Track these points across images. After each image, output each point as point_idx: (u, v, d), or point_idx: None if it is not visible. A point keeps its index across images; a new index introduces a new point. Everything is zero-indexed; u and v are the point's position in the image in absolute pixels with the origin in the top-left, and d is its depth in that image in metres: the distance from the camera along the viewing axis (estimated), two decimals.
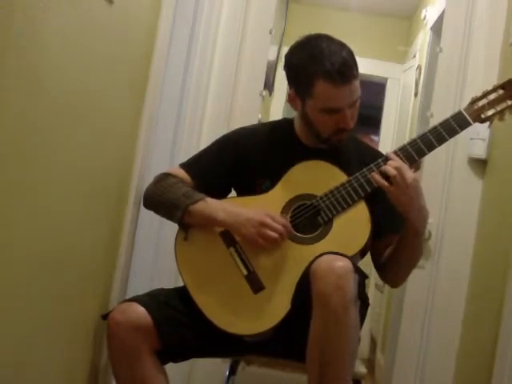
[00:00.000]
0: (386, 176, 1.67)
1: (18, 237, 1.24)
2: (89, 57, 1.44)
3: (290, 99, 1.81)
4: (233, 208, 1.73)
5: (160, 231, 2.25)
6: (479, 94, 1.75)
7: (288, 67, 1.78)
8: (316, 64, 1.68)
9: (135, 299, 1.70)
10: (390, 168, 1.66)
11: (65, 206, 1.45)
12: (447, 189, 2.49)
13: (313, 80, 1.69)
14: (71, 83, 1.37)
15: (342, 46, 1.72)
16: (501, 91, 1.73)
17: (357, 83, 1.71)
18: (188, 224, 1.75)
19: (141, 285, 2.11)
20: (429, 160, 2.52)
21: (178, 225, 1.77)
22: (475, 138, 2.41)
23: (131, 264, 2.09)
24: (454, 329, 2.44)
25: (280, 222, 1.68)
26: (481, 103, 1.73)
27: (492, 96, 1.73)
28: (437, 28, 3.07)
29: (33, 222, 1.30)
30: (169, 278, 2.19)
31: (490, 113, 1.73)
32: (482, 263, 2.37)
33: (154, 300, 1.71)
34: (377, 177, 1.67)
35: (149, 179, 1.92)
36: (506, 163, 2.26)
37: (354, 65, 1.70)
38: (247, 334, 1.69)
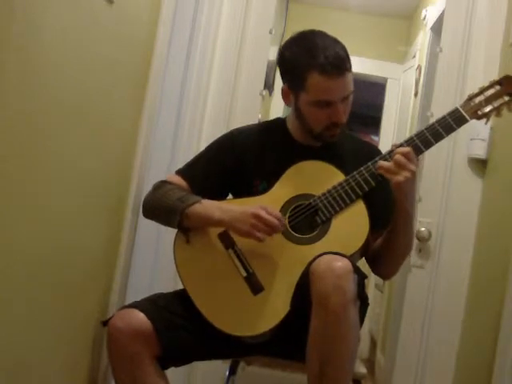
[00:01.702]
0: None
1: (17, 237, 1.24)
2: (89, 57, 1.44)
3: (284, 94, 1.82)
4: (228, 206, 1.74)
5: (160, 232, 2.25)
6: (476, 90, 1.75)
7: (282, 62, 1.80)
8: (310, 57, 1.70)
9: (135, 305, 1.69)
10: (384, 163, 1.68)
11: (65, 207, 1.45)
12: (447, 189, 2.49)
13: (306, 73, 1.70)
14: (71, 83, 1.37)
15: (336, 41, 1.74)
16: (498, 87, 1.72)
17: (350, 77, 1.72)
18: (187, 227, 1.75)
19: (141, 286, 2.11)
20: (429, 160, 2.52)
21: (178, 229, 1.77)
22: (475, 138, 2.41)
23: (131, 265, 2.08)
24: (454, 329, 2.43)
25: (274, 215, 1.67)
26: (477, 100, 1.73)
27: (489, 92, 1.72)
28: (437, 28, 3.07)
29: (33, 222, 1.30)
30: (168, 279, 2.19)
31: (487, 109, 1.72)
32: (482, 263, 2.37)
33: (154, 305, 1.70)
34: (380, 162, 1.69)
35: (149, 179, 1.92)
36: (506, 163, 2.26)
37: (347, 59, 1.72)
38: (247, 335, 1.68)
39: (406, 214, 1.72)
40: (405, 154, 1.66)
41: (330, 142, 1.81)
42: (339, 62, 1.69)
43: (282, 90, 1.81)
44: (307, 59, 1.70)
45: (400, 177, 1.65)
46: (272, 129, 1.92)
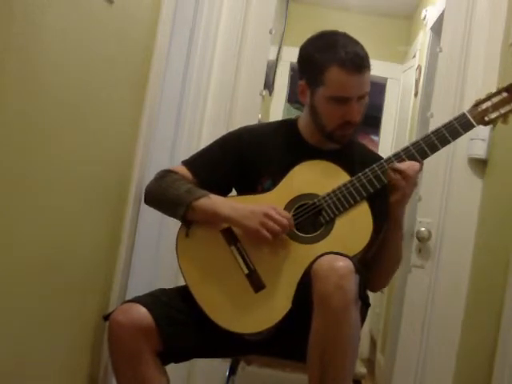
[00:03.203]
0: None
1: (18, 237, 1.24)
2: (89, 57, 1.44)
3: (300, 91, 1.84)
4: (237, 204, 1.74)
5: (160, 231, 2.25)
6: (482, 95, 1.75)
7: (302, 56, 1.82)
8: (331, 51, 1.73)
9: (137, 300, 1.70)
10: (401, 164, 1.71)
11: (65, 207, 1.45)
12: (447, 189, 2.49)
13: (326, 66, 1.73)
14: (71, 83, 1.37)
15: (356, 41, 1.78)
16: (505, 94, 1.73)
17: (368, 76, 1.76)
18: (191, 221, 1.75)
19: (141, 285, 2.11)
20: (429, 160, 2.50)
21: (181, 221, 1.77)
22: (475, 138, 2.41)
23: (131, 264, 2.08)
24: (454, 329, 2.43)
25: (284, 215, 1.68)
26: (484, 106, 1.73)
27: (496, 99, 1.73)
28: (437, 28, 3.07)
29: (33, 221, 1.30)
30: (169, 277, 2.19)
31: (493, 115, 1.73)
32: (481, 263, 2.37)
33: (156, 300, 1.70)
34: (390, 172, 1.71)
35: (149, 179, 1.92)
36: (506, 163, 2.26)
37: (366, 58, 1.75)
38: (247, 332, 1.68)
39: (397, 222, 1.76)
40: (407, 164, 1.70)
41: (341, 143, 1.82)
42: (359, 59, 1.72)
43: (300, 86, 1.83)
44: (328, 53, 1.73)
45: (408, 189, 1.70)
46: (282, 128, 1.92)
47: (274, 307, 1.67)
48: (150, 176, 1.95)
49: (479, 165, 2.46)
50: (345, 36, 1.78)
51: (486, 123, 1.74)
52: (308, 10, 4.82)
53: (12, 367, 1.30)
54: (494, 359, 1.94)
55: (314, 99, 1.78)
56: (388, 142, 4.76)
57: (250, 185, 1.82)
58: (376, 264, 1.81)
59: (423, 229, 2.47)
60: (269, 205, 1.70)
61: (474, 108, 1.74)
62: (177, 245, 1.77)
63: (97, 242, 1.75)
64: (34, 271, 1.34)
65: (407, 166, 1.70)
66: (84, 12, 1.38)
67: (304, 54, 1.81)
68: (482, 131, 2.36)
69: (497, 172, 2.36)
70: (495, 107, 1.73)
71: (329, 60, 1.72)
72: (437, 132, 1.72)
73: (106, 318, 1.68)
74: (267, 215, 1.67)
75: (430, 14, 3.49)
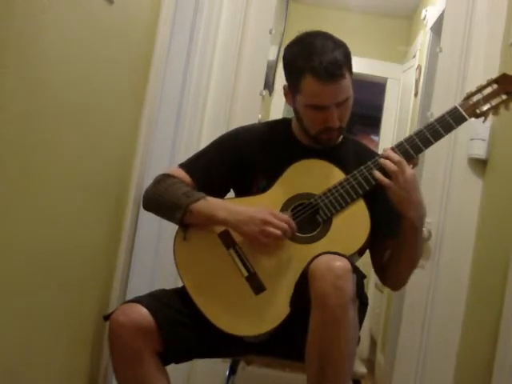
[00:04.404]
0: (385, 172, 1.68)
1: (17, 237, 1.24)
2: (89, 57, 1.44)
3: (285, 94, 1.83)
4: (234, 206, 1.73)
5: (160, 231, 2.25)
6: (473, 89, 1.75)
7: (283, 61, 1.80)
8: (305, 60, 1.69)
9: (137, 300, 1.69)
10: (389, 163, 1.67)
11: (65, 207, 1.45)
12: (447, 189, 2.49)
13: (301, 75, 1.70)
14: (71, 83, 1.37)
15: (339, 45, 1.72)
16: (495, 86, 1.73)
17: (346, 83, 1.70)
18: (189, 224, 1.75)
19: (141, 285, 2.11)
20: (429, 160, 2.52)
21: (179, 225, 1.77)
22: (475, 138, 2.41)
23: (131, 264, 2.09)
24: (454, 329, 2.44)
25: (283, 219, 1.68)
26: (475, 98, 1.73)
27: (486, 91, 1.73)
28: (437, 28, 3.07)
29: (33, 222, 1.30)
30: (169, 278, 2.19)
31: (485, 108, 1.73)
32: (482, 263, 2.37)
33: (156, 301, 1.70)
34: (377, 173, 1.68)
35: (149, 179, 1.92)
36: (506, 163, 2.26)
37: (344, 64, 1.69)
38: (248, 335, 1.68)
39: (411, 225, 1.70)
40: (397, 164, 1.65)
41: (327, 145, 1.81)
42: (334, 68, 1.66)
43: (284, 88, 1.82)
44: (303, 62, 1.69)
45: (403, 192, 1.64)
46: (277, 128, 1.92)
47: (275, 309, 1.66)
48: (150, 176, 1.95)
49: (479, 165, 2.46)
50: (325, 39, 1.72)
51: (477, 116, 1.74)
52: (308, 9, 4.82)
53: (12, 367, 1.30)
54: (494, 359, 1.94)
55: (296, 105, 1.77)
56: (388, 141, 4.75)
57: (246, 185, 1.82)
58: (392, 264, 1.79)
59: (423, 229, 2.47)
60: (267, 210, 1.69)
61: (466, 101, 1.74)
62: (174, 249, 1.76)
63: (97, 242, 1.75)
64: (33, 271, 1.34)
65: (394, 167, 1.65)
66: (84, 12, 1.38)
67: (284, 59, 1.79)
68: (481, 131, 2.36)
69: (497, 172, 2.36)
70: (486, 99, 1.73)
71: (303, 69, 1.69)
72: (430, 126, 1.71)
73: (107, 318, 1.68)
74: (266, 221, 1.66)
75: (430, 14, 3.49)
